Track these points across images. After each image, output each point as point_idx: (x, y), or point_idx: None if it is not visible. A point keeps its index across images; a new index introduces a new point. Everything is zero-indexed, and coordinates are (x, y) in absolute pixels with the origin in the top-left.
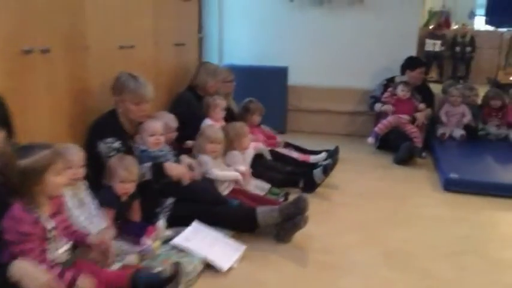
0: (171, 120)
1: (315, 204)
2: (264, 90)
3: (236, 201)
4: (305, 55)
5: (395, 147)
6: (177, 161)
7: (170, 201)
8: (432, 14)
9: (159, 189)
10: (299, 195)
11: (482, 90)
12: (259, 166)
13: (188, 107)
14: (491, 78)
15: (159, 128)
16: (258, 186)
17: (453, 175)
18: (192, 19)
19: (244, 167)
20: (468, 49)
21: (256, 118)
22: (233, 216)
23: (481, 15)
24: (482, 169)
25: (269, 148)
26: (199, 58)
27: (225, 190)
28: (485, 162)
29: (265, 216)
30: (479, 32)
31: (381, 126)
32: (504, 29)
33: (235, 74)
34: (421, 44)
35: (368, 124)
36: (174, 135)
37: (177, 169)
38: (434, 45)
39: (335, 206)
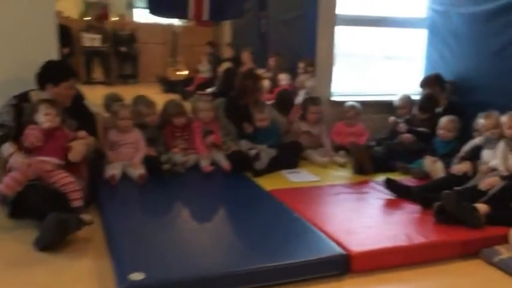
0: None
1: None
2: None
3: None
4: None
5: (40, 213)
6: None
7: None
8: (88, 5)
9: None
10: None
11: (153, 91)
12: None
13: None
14: (161, 76)
15: None
16: None
17: (136, 276)
18: None
19: None
20: (132, 44)
21: None
22: None
23: (140, 7)
24: (178, 244)
25: None
26: None
27: None
28: (181, 226)
29: None
30: (141, 25)
31: (10, 182)
32: (166, 22)
33: None
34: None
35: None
36: None
37: None
38: (93, 41)
39: None
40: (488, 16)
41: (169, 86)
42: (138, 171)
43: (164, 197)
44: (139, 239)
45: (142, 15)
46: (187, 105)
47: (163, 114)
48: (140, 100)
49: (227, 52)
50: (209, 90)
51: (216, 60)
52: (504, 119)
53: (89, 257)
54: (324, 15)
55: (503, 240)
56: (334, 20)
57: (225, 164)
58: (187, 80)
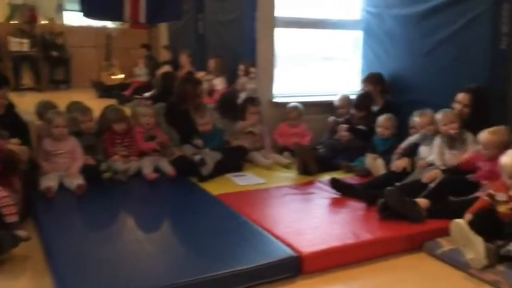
0: None
1: None
2: None
3: None
4: None
5: None
6: None
7: None
8: (14, 8)
9: None
10: None
11: (87, 96)
12: None
13: None
14: (95, 80)
15: None
16: None
17: None
18: None
19: None
20: (63, 48)
21: None
22: None
23: (71, 9)
24: (123, 257)
25: None
26: None
27: None
28: (125, 238)
29: None
30: (73, 28)
31: None
32: (99, 25)
33: None
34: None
35: None
36: None
37: None
38: (21, 45)
39: None
40: (419, 18)
41: (105, 90)
42: (76, 181)
43: (106, 208)
44: (81, 254)
45: (73, 18)
46: (127, 111)
47: (101, 121)
48: (75, 106)
49: (164, 55)
50: (147, 94)
51: (153, 63)
52: (439, 116)
53: (27, 276)
54: (263, 17)
55: (445, 233)
56: (273, 22)
57: (170, 169)
58: (124, 84)
